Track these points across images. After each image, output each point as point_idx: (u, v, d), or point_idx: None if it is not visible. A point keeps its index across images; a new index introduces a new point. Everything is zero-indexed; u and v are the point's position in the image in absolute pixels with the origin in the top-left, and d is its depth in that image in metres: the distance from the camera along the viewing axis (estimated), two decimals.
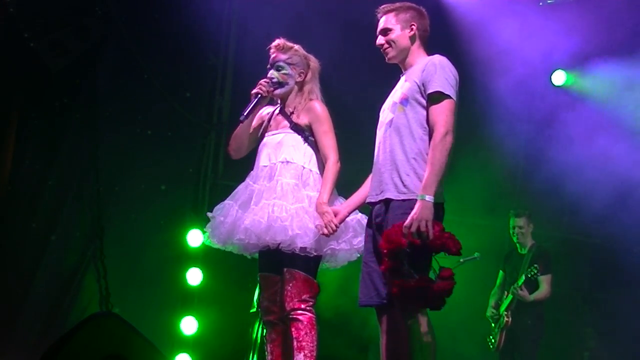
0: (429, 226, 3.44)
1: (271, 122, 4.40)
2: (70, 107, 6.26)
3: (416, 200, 3.55)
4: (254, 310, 5.72)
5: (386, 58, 3.90)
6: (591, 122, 6.79)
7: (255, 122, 4.42)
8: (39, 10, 5.90)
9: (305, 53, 4.38)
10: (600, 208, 6.60)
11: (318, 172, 4.25)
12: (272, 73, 4.31)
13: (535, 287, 6.57)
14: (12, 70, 5.89)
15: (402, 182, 3.63)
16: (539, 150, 7.16)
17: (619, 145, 6.60)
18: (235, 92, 6.88)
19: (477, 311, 6.96)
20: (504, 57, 6.90)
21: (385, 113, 3.83)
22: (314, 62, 4.38)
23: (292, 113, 4.32)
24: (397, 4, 3.90)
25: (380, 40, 3.88)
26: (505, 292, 6.73)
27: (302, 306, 4.09)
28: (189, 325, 6.49)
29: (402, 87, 3.78)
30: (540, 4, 7.18)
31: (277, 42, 4.34)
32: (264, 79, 4.29)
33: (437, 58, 3.72)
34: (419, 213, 3.46)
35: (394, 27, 3.84)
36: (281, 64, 4.29)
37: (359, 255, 4.13)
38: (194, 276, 6.55)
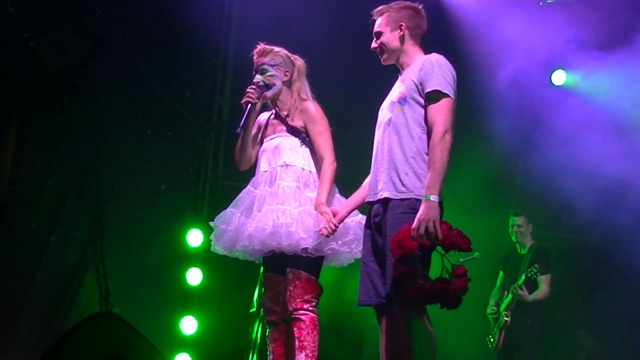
0: (437, 226, 3.42)
1: (268, 128, 4.42)
2: (70, 107, 6.27)
3: (415, 199, 3.56)
4: (253, 310, 5.73)
5: (381, 61, 3.91)
6: (590, 121, 6.78)
7: (254, 130, 4.44)
8: (39, 10, 5.90)
9: (288, 53, 4.40)
10: (599, 207, 6.60)
11: (317, 173, 4.26)
12: (257, 77, 4.33)
13: (534, 287, 6.58)
14: (12, 70, 5.89)
15: (401, 182, 3.63)
16: (538, 149, 7.15)
17: (618, 144, 6.60)
18: (235, 92, 6.86)
19: (477, 311, 6.96)
20: (503, 56, 6.90)
21: (384, 112, 3.83)
22: (299, 60, 4.41)
23: (286, 116, 4.34)
24: (390, 5, 3.90)
25: (374, 43, 3.90)
26: (505, 292, 6.74)
27: (305, 306, 4.11)
28: (188, 325, 6.49)
29: (399, 87, 3.78)
30: (540, 3, 7.17)
31: (257, 47, 4.38)
32: (250, 86, 4.30)
33: (435, 56, 3.71)
34: (426, 214, 3.44)
35: (384, 29, 3.85)
36: (264, 67, 4.32)
37: (360, 255, 4.14)
38: (194, 276, 6.55)
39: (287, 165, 4.24)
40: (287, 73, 4.34)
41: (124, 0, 6.38)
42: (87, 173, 6.30)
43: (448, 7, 6.97)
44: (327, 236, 4.04)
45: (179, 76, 6.69)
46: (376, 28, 3.89)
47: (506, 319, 6.62)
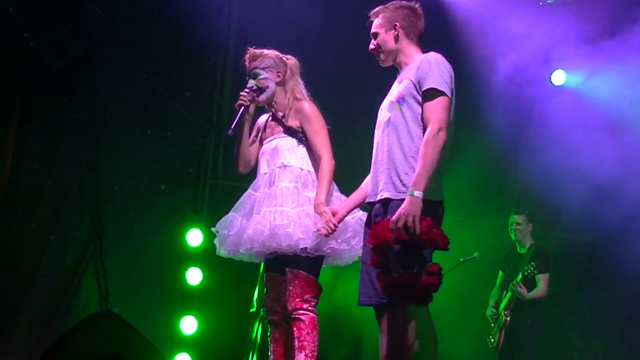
0: (416, 221, 3.43)
1: (267, 130, 4.45)
2: (70, 107, 6.26)
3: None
4: (253, 309, 5.73)
5: (379, 62, 3.92)
6: (589, 121, 6.79)
7: (253, 134, 4.47)
8: (39, 10, 5.89)
9: (279, 53, 4.41)
10: (597, 207, 6.61)
11: (316, 172, 4.26)
12: (250, 82, 4.36)
13: (533, 285, 6.58)
14: (11, 70, 5.89)
15: (401, 182, 3.63)
16: (538, 150, 7.16)
17: (616, 144, 6.60)
18: (235, 92, 6.78)
19: (477, 310, 6.97)
20: (502, 56, 6.90)
21: (383, 113, 3.83)
22: (291, 59, 4.42)
23: (283, 117, 4.35)
24: (386, 5, 3.91)
25: (371, 45, 3.91)
26: (505, 292, 6.74)
27: (305, 306, 4.11)
28: (188, 325, 6.49)
29: (398, 86, 3.78)
30: (540, 3, 7.18)
31: (248, 53, 4.40)
32: (244, 90, 4.33)
33: (432, 55, 3.71)
34: (407, 208, 3.46)
35: (379, 30, 3.86)
36: (256, 70, 4.35)
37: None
38: (194, 276, 6.54)
39: (285, 166, 4.25)
40: (279, 74, 4.36)
41: (124, 0, 6.38)
42: (87, 173, 6.29)
43: (447, 7, 6.97)
44: (327, 236, 4.05)
45: (178, 76, 6.69)
46: (373, 29, 3.90)
47: (506, 318, 6.62)
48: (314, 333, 4.09)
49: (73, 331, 3.28)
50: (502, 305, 6.70)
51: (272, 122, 4.42)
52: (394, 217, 3.48)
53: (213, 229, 4.39)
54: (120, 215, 6.42)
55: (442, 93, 3.60)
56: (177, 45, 6.58)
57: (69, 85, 6.20)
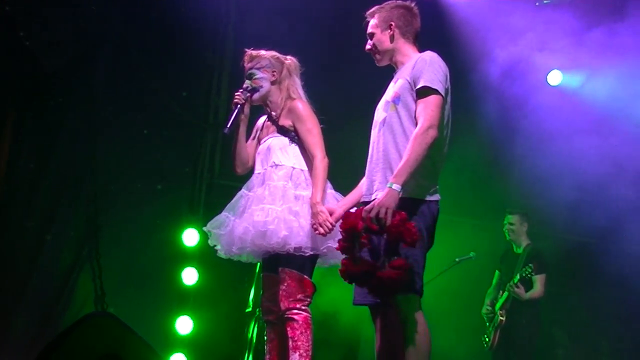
0: (388, 214, 3.44)
1: (263, 130, 4.47)
2: (67, 107, 6.26)
3: (409, 199, 3.56)
4: (249, 309, 5.73)
5: (375, 62, 3.92)
6: (588, 120, 6.79)
7: (252, 134, 4.50)
8: (35, 9, 5.89)
9: (275, 54, 4.43)
10: (594, 207, 6.61)
11: (309, 171, 4.26)
12: (246, 82, 4.40)
13: (529, 286, 6.59)
14: (7, 70, 5.88)
15: None
16: (536, 149, 7.16)
17: (616, 143, 6.61)
18: (231, 92, 6.81)
19: (473, 310, 6.97)
20: (500, 56, 6.90)
21: (379, 112, 3.84)
22: (289, 59, 4.44)
23: (277, 116, 4.35)
24: (382, 5, 3.92)
25: (368, 45, 3.92)
26: (501, 291, 6.75)
27: (297, 305, 4.11)
28: (184, 325, 6.48)
29: (394, 86, 3.79)
30: (537, 3, 7.18)
31: (245, 55, 4.44)
32: (239, 89, 4.36)
33: (428, 54, 3.72)
34: (382, 200, 3.47)
35: (375, 30, 3.88)
36: (252, 71, 4.39)
37: None
38: (190, 276, 6.54)
39: (276, 165, 4.26)
40: (274, 73, 4.38)
41: (121, 0, 6.37)
42: (83, 172, 6.29)
43: (445, 6, 6.96)
44: (324, 235, 4.04)
45: (176, 76, 6.68)
46: (369, 29, 3.92)
47: (501, 318, 6.63)
48: (308, 332, 4.09)
49: (69, 331, 3.28)
50: (498, 304, 6.70)
51: (268, 122, 4.45)
52: (367, 206, 3.51)
53: (205, 229, 4.39)
54: (117, 215, 6.41)
55: (435, 91, 3.60)
56: (174, 45, 6.57)
57: (64, 84, 6.20)
